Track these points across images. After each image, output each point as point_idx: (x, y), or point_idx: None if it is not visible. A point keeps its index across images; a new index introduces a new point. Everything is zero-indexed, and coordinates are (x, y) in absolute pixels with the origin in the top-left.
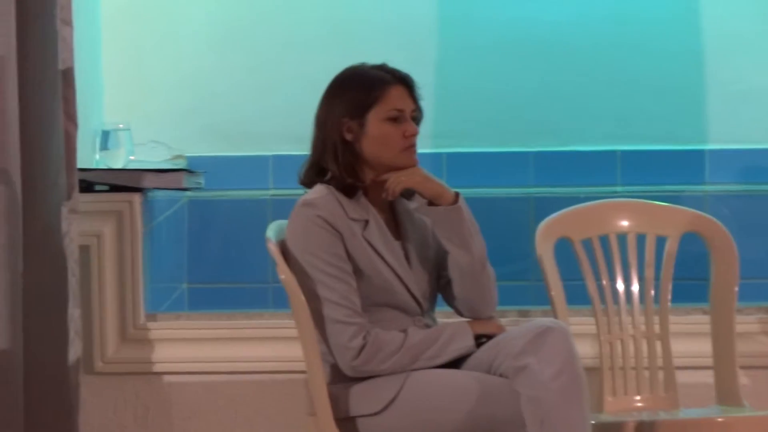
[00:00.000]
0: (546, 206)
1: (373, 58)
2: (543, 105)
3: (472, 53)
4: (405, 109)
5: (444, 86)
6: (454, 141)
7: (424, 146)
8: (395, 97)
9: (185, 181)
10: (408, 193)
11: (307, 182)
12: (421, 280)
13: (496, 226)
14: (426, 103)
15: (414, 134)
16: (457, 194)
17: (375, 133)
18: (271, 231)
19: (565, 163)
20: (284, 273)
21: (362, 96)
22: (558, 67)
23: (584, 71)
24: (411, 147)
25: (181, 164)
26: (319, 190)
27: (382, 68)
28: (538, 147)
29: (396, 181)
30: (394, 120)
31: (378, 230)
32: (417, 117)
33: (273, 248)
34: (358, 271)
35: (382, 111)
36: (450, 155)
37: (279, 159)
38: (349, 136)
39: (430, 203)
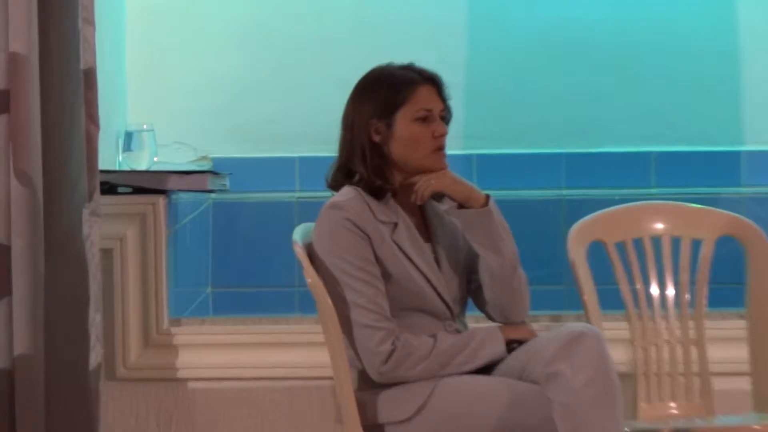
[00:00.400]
0: (578, 209)
1: (401, 58)
2: (575, 105)
3: (502, 52)
4: (433, 109)
5: (474, 86)
6: (485, 142)
7: (453, 148)
8: (424, 96)
9: (210, 183)
10: (438, 195)
11: (335, 184)
12: (451, 284)
13: (527, 228)
14: (455, 103)
15: (443, 134)
16: (487, 197)
17: (403, 134)
18: (298, 234)
19: (597, 164)
20: (311, 277)
21: (390, 96)
22: (590, 66)
23: (618, 71)
24: (440, 149)
25: (205, 166)
26: (347, 192)
27: (410, 68)
28: (570, 148)
29: (425, 185)
30: (423, 120)
31: (407, 233)
32: (446, 117)
33: (300, 251)
34: (386, 275)
35: (411, 111)
36: (480, 157)
37: (305, 160)
38: (377, 138)
39: (460, 206)
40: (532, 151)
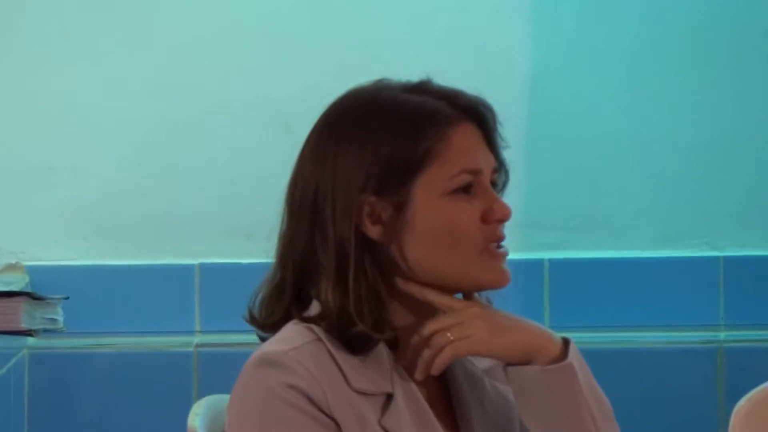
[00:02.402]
0: (748, 365)
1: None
2: (724, 166)
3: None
4: (483, 169)
5: (541, 138)
6: (560, 237)
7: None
8: (464, 146)
9: (25, 316)
10: None
11: (270, 322)
12: None
13: (648, 405)
14: (512, 160)
15: (506, 218)
16: (565, 343)
17: (430, 221)
18: (199, 417)
19: None
20: None
21: (402, 150)
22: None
23: None
24: (499, 240)
25: (16, 282)
26: (296, 334)
27: (429, 90)
28: (729, 249)
29: (436, 344)
30: (465, 191)
31: (413, 413)
32: (500, 182)
33: None
34: None
35: (442, 177)
36: (556, 264)
37: (211, 271)
38: (374, 231)
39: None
40: (654, 253)
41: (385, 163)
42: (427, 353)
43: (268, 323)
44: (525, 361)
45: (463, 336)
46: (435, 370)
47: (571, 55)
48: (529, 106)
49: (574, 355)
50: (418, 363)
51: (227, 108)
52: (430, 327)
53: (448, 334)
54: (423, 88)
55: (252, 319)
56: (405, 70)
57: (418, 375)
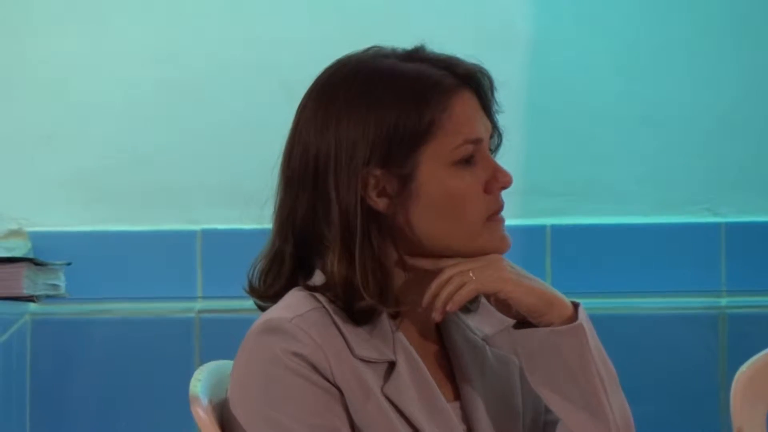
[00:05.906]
0: (750, 331)
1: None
2: (730, 136)
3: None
4: (483, 137)
5: (544, 105)
6: (562, 203)
7: (508, 215)
8: (465, 115)
9: (27, 282)
10: (472, 302)
11: (270, 293)
12: None
13: (649, 371)
14: (509, 132)
15: (508, 185)
16: (575, 306)
17: (436, 192)
18: (201, 383)
19: None
20: None
21: (407, 121)
22: None
23: None
24: (499, 211)
25: (18, 248)
26: (299, 301)
27: (426, 59)
28: (730, 215)
29: (457, 280)
30: (467, 162)
31: (414, 381)
32: (493, 145)
33: (204, 417)
34: None
35: (447, 147)
36: (556, 229)
37: (214, 236)
38: (380, 204)
39: (520, 324)
40: (656, 220)
41: (389, 134)
42: (447, 290)
43: (268, 294)
44: (534, 317)
45: (487, 275)
46: (453, 306)
47: (574, 20)
48: (531, 72)
49: (583, 317)
50: (436, 302)
51: (229, 73)
52: (450, 271)
53: (471, 274)
54: (419, 56)
55: (252, 290)
56: (407, 37)
57: (436, 314)
